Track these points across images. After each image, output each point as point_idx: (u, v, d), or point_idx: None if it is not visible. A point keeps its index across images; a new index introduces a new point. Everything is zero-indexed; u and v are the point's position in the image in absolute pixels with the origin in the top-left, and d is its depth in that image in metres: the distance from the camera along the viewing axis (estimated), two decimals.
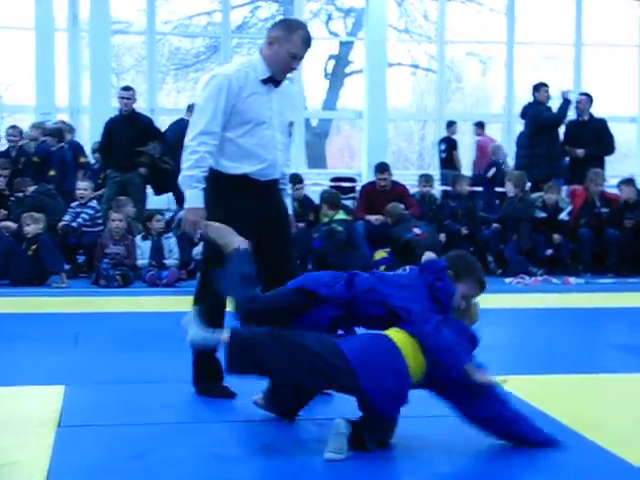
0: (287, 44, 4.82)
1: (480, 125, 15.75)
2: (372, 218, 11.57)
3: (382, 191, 11.78)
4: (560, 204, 12.43)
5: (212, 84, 4.84)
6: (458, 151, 15.46)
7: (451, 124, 15.67)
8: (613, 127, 13.61)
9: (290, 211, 5.23)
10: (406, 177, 14.03)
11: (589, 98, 13.47)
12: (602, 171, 12.68)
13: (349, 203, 13.20)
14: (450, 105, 18.62)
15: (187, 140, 4.83)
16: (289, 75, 5.10)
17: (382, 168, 11.97)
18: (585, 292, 10.21)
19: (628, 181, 12.44)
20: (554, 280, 11.10)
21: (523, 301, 9.51)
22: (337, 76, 18.83)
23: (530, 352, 6.57)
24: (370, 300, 4.08)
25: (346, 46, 18.69)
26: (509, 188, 12.20)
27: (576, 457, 3.96)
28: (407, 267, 4.31)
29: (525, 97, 13.88)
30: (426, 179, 12.77)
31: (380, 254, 11.07)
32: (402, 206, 11.45)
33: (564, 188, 13.03)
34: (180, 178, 4.84)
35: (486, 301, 10.04)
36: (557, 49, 17.60)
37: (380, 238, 11.15)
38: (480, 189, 13.60)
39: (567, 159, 13.26)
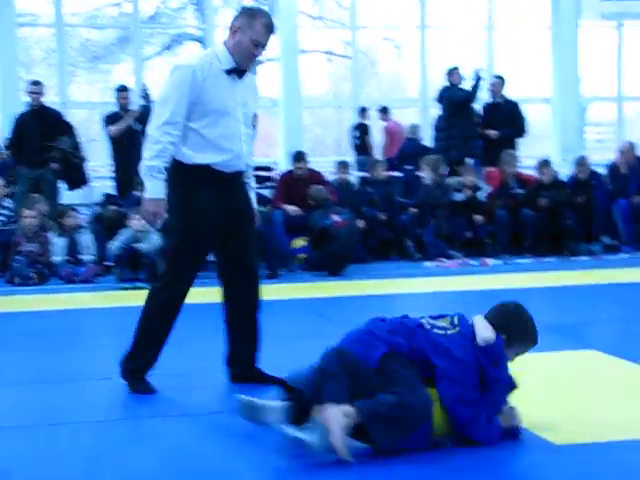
0: (249, 31, 4.86)
1: (384, 110, 15.75)
2: (289, 208, 11.50)
3: (299, 179, 11.74)
4: (478, 184, 12.57)
5: (176, 75, 4.83)
6: (370, 137, 15.49)
7: (363, 110, 15.68)
8: (527, 108, 13.76)
9: (255, 205, 5.20)
10: (324, 164, 14.00)
11: (502, 81, 13.62)
12: (515, 152, 12.84)
13: (266, 192, 13.11)
14: (366, 91, 18.63)
15: (150, 130, 4.80)
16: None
17: (299, 157, 11.92)
18: (503, 273, 10.32)
19: (545, 162, 12.59)
20: (472, 262, 11.20)
21: (442, 284, 9.56)
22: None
23: None
24: (414, 357, 3.88)
25: None
26: (426, 173, 12.27)
27: None
28: (455, 318, 4.05)
29: (440, 81, 13.95)
30: (343, 166, 12.77)
31: (299, 242, 11.04)
32: (326, 190, 11.36)
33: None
34: (141, 168, 4.81)
35: (405, 286, 10.10)
36: (470, 32, 17.71)
37: (298, 226, 11.12)
38: (398, 174, 13.63)
39: (481, 141, 13.39)
